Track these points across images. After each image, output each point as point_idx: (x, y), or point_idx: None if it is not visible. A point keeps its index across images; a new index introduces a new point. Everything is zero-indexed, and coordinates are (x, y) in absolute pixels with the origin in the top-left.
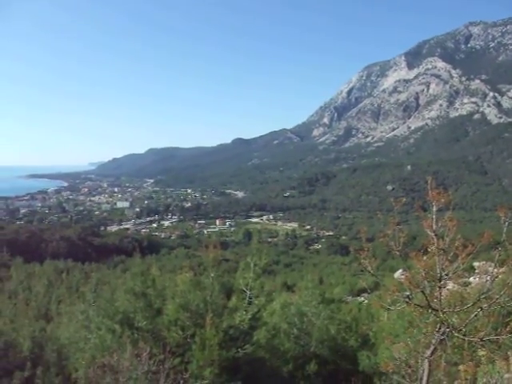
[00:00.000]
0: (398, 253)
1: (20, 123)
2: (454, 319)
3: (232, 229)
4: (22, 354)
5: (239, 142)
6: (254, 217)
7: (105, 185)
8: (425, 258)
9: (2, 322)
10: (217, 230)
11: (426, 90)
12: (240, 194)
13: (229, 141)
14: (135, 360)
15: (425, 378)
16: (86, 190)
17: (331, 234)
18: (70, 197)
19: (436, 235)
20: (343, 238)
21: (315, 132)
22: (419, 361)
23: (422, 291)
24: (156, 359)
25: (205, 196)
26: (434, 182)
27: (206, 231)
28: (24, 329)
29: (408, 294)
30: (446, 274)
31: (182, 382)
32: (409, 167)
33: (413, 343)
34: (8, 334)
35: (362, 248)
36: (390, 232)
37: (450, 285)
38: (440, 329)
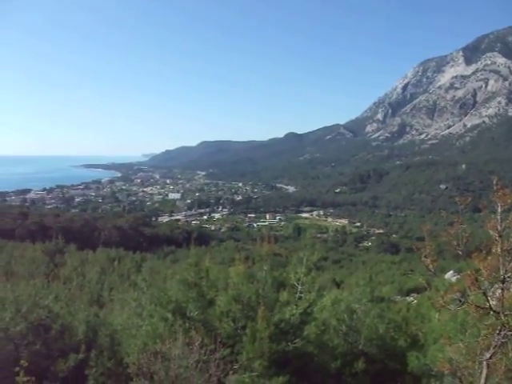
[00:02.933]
0: (460, 253)
1: (78, 115)
2: None
3: (282, 223)
4: (77, 338)
5: (291, 137)
6: (304, 212)
7: (157, 176)
8: (487, 259)
9: (59, 305)
10: (267, 224)
11: (484, 86)
12: (291, 189)
13: (281, 135)
14: (186, 349)
15: (482, 381)
16: (139, 180)
17: (381, 231)
18: (123, 187)
19: (500, 236)
20: (394, 236)
21: (368, 128)
22: (477, 363)
23: (484, 293)
24: (207, 349)
25: (256, 190)
26: (499, 182)
27: (255, 225)
28: (79, 313)
29: (461, 295)
30: (509, 277)
31: (231, 372)
32: (463, 166)
33: (467, 345)
34: (64, 317)
35: (424, 245)
36: (453, 231)
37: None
38: (501, 331)
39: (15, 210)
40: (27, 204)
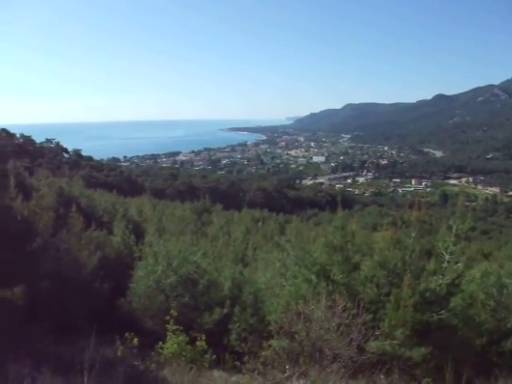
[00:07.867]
0: None
1: (229, 82)
2: None
3: (428, 189)
4: (223, 293)
5: (440, 99)
6: (451, 178)
7: (301, 139)
8: None
9: (206, 262)
10: (412, 189)
11: None
12: (438, 154)
13: (429, 97)
14: (329, 311)
15: None
16: (283, 143)
17: None
18: (268, 150)
19: None
20: None
21: None
22: None
23: None
24: (349, 313)
25: (401, 154)
26: None
27: (400, 190)
28: (225, 270)
29: None
30: None
31: (372, 338)
32: None
33: None
34: (211, 273)
35: None
36: None
37: None
38: None
39: (166, 172)
40: (177, 166)
